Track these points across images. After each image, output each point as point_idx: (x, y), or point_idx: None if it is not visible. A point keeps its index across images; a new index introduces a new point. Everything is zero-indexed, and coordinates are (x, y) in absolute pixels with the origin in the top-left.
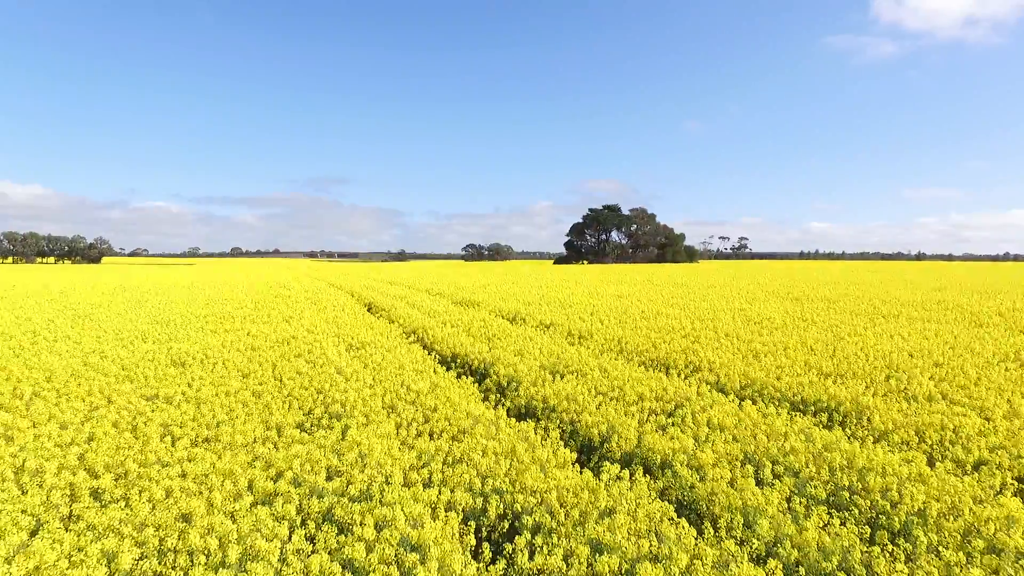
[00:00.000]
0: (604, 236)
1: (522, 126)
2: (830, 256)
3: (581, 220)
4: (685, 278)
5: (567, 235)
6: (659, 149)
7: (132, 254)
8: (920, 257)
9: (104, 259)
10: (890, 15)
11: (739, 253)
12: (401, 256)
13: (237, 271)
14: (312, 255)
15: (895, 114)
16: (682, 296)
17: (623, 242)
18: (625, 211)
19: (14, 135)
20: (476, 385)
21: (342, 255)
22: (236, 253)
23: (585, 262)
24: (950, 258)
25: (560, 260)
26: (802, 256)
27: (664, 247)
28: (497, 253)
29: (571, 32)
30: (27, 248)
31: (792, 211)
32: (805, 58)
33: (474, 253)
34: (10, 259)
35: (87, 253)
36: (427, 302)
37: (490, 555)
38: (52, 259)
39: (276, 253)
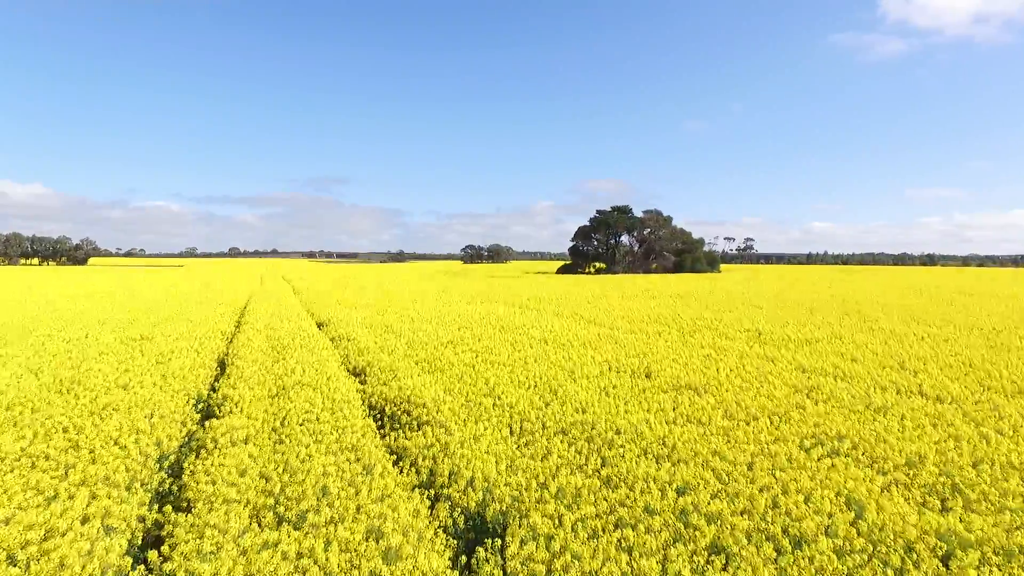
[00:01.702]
0: (613, 241)
1: (522, 126)
2: (839, 258)
3: (588, 223)
4: (748, 313)
5: (572, 240)
6: (660, 149)
7: (127, 254)
8: (933, 259)
9: (91, 260)
10: (898, 12)
11: (745, 255)
12: (400, 257)
13: (186, 280)
14: (311, 255)
15: (900, 113)
16: (795, 370)
17: (635, 248)
18: (637, 213)
19: (15, 134)
20: None
21: (341, 255)
22: (234, 253)
23: (592, 269)
24: (966, 262)
25: (564, 269)
26: (810, 258)
27: (682, 254)
28: (497, 254)
29: (571, 32)
30: (10, 249)
31: (793, 211)
32: (811, 56)
33: (473, 254)
34: None
35: (73, 254)
36: (310, 431)
37: None
38: (37, 260)
39: (274, 253)
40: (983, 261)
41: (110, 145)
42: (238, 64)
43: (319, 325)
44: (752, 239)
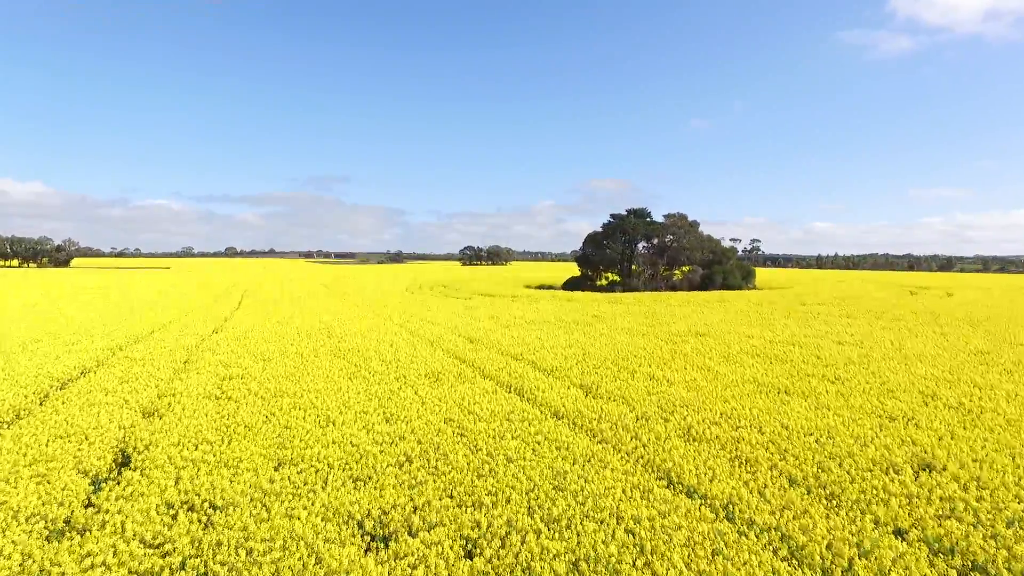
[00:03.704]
0: (630, 250)
1: (523, 125)
2: (849, 260)
3: (600, 229)
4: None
5: (581, 248)
6: (662, 148)
7: (120, 254)
8: (950, 264)
9: (75, 261)
10: (907, 9)
11: (752, 256)
12: (398, 257)
13: (106, 297)
14: (309, 255)
15: (906, 112)
16: None
17: (656, 259)
18: (657, 217)
19: (15, 133)
20: None
21: (339, 255)
22: (230, 253)
23: (604, 281)
24: (986, 265)
25: (571, 283)
26: (819, 261)
27: (711, 265)
28: (496, 255)
29: (571, 32)
30: None
31: (795, 211)
32: (817, 54)
33: (471, 255)
34: None
35: (55, 255)
36: None
37: None
38: (16, 262)
39: (272, 253)
40: (1004, 264)
41: (111, 144)
42: (241, 63)
43: (118, 467)
44: (759, 240)
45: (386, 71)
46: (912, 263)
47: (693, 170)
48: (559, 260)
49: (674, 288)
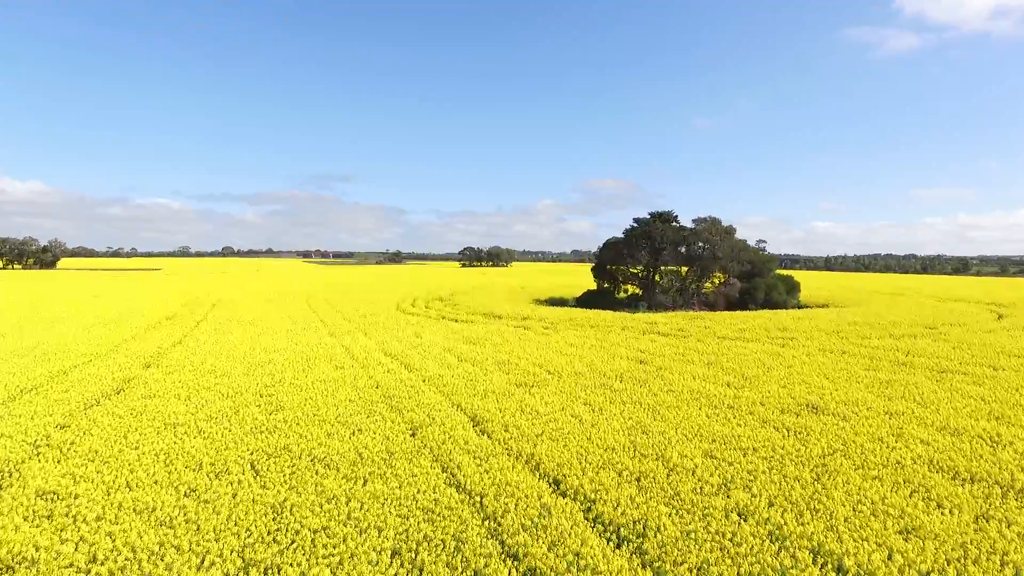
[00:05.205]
0: (655, 260)
1: (524, 124)
2: (859, 261)
3: (622, 235)
4: None
5: (598, 255)
6: (664, 147)
7: (115, 254)
8: (965, 267)
9: (62, 262)
10: (914, 6)
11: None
12: (397, 257)
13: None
14: (307, 255)
15: (910, 111)
16: None
17: (686, 270)
18: (686, 222)
19: (15, 132)
20: None
21: (337, 255)
22: (227, 252)
23: (623, 294)
24: (1004, 268)
25: (588, 298)
26: (828, 263)
27: (751, 278)
28: (497, 257)
29: (572, 30)
30: None
31: (796, 210)
32: (821, 51)
33: (472, 256)
34: None
35: (41, 256)
36: None
37: None
38: (1, 263)
39: (269, 253)
40: (1022, 268)
41: (111, 142)
42: (242, 61)
43: None
44: (765, 241)
45: (387, 70)
46: (925, 265)
47: (695, 169)
48: (560, 260)
49: (708, 304)
